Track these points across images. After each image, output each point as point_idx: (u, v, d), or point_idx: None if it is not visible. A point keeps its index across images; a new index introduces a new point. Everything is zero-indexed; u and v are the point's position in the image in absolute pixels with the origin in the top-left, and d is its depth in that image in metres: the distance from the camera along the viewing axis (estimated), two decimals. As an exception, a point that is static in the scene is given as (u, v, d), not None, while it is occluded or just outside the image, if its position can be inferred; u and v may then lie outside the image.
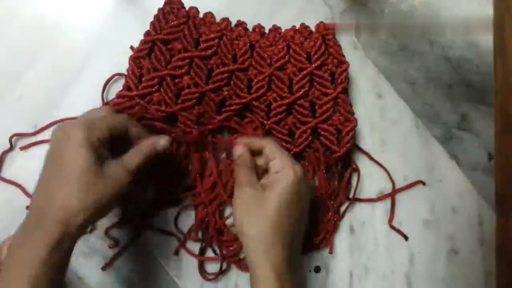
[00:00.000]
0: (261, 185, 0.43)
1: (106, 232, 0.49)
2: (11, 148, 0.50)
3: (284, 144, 0.50)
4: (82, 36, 0.53)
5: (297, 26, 0.52)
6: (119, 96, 0.50)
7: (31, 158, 0.50)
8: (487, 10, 0.50)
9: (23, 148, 0.50)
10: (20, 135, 0.50)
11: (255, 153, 0.46)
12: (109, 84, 0.52)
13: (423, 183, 0.51)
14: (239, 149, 0.45)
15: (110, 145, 0.41)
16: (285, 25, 0.52)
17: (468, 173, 0.52)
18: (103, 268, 0.49)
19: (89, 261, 0.49)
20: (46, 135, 0.50)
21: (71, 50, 0.53)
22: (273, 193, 0.41)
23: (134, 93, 0.49)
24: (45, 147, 0.50)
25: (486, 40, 0.49)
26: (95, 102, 0.51)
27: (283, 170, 0.42)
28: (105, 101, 0.51)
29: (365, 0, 0.56)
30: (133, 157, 0.42)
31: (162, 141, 0.45)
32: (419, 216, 0.51)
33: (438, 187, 0.52)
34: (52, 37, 0.53)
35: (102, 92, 0.51)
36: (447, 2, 0.55)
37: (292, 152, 0.50)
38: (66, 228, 0.36)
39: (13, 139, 0.50)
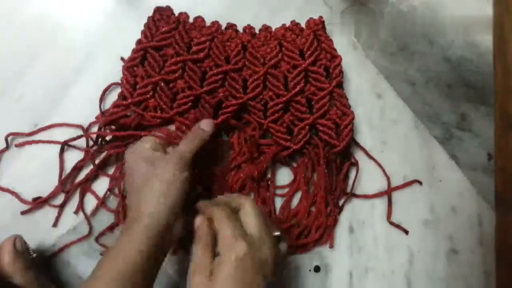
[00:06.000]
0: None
1: (104, 233, 0.49)
2: (7, 147, 0.50)
3: (284, 142, 0.50)
4: (82, 36, 0.53)
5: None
6: (114, 106, 0.50)
7: (30, 158, 0.50)
8: (487, 10, 0.50)
9: (18, 145, 0.50)
10: (17, 134, 0.50)
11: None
12: (107, 86, 0.52)
13: (420, 183, 0.52)
14: (197, 220, 0.41)
15: None
16: (285, 25, 0.52)
17: (467, 173, 0.52)
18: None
19: (90, 260, 0.49)
20: (45, 135, 0.50)
21: (71, 49, 0.53)
22: (218, 282, 0.36)
23: (129, 101, 0.49)
24: (44, 148, 0.50)
25: (486, 40, 0.49)
26: (94, 102, 0.51)
27: (223, 252, 0.37)
28: (102, 110, 0.51)
29: (365, 0, 0.56)
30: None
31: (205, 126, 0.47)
32: (418, 216, 0.51)
33: (437, 187, 0.52)
34: (52, 37, 0.53)
35: (100, 102, 0.51)
36: (447, 2, 0.55)
37: (292, 150, 0.50)
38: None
39: (12, 139, 0.50)
